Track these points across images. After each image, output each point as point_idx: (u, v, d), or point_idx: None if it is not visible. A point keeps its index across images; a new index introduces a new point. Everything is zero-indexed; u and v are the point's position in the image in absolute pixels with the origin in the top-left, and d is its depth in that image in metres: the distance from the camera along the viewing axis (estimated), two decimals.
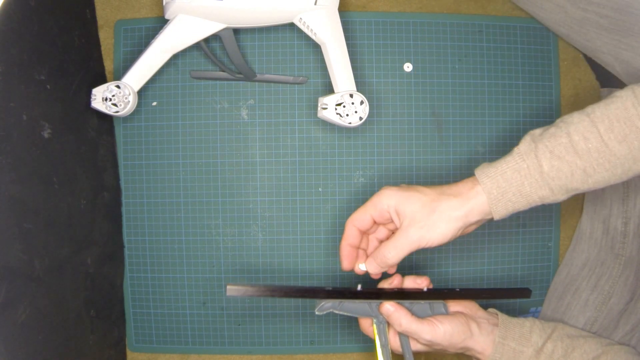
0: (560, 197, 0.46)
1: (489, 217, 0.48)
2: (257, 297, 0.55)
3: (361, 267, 0.52)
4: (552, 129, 0.46)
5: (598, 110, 0.45)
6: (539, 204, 0.47)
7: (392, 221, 0.50)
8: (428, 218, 0.47)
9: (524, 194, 0.46)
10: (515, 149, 0.47)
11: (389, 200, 0.49)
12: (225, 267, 0.70)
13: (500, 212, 0.47)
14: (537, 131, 0.47)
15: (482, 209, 0.47)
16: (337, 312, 0.51)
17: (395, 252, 0.49)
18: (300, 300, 0.70)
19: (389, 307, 0.50)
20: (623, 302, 0.63)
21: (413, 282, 0.53)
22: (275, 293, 0.49)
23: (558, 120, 0.47)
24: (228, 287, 0.48)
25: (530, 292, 0.58)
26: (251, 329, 0.70)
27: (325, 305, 0.51)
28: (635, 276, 0.63)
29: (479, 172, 0.48)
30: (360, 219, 0.51)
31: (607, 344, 0.55)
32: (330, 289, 0.51)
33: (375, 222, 0.51)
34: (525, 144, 0.46)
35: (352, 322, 0.70)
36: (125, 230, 0.69)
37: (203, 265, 0.69)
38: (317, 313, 0.51)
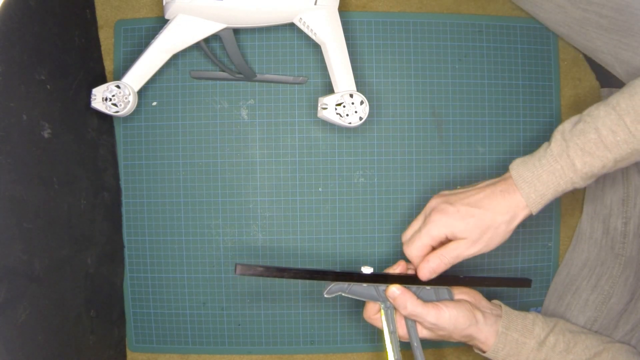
0: (592, 182, 0.50)
1: (529, 214, 0.51)
2: (265, 277, 0.56)
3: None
4: (580, 125, 0.48)
5: (623, 102, 0.47)
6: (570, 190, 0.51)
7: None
8: (481, 236, 0.51)
9: (559, 190, 0.50)
10: (548, 150, 0.50)
11: (444, 229, 0.51)
12: (225, 267, 0.69)
13: (537, 208, 0.51)
14: (566, 127, 0.50)
15: (524, 213, 0.51)
16: (345, 295, 0.52)
17: (453, 258, 0.51)
18: (300, 300, 0.70)
19: (394, 290, 0.51)
20: (623, 302, 0.63)
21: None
22: (285, 274, 0.50)
23: (585, 114, 0.49)
24: (238, 266, 0.48)
25: (531, 282, 0.60)
26: (251, 329, 0.70)
27: (334, 288, 0.51)
28: (635, 276, 0.63)
29: (517, 176, 0.50)
30: (419, 248, 0.52)
31: (608, 342, 0.55)
32: (339, 271, 0.52)
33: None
34: (557, 144, 0.49)
35: (352, 322, 0.70)
36: (125, 230, 0.69)
37: (203, 265, 0.69)
38: (325, 296, 0.52)
